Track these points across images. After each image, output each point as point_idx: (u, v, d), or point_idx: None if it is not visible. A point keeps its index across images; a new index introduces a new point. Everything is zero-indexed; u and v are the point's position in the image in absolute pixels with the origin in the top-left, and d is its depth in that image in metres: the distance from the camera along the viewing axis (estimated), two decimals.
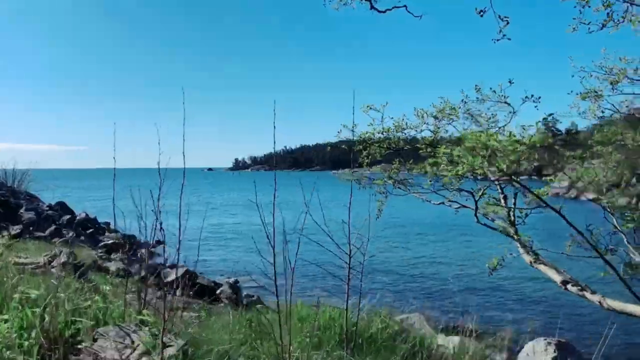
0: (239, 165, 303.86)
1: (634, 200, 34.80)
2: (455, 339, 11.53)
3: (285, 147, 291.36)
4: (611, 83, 7.01)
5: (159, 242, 5.70)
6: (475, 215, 5.47)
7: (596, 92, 7.02)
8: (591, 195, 5.43)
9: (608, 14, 5.37)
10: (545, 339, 11.91)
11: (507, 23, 5.54)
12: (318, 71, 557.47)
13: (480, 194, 5.43)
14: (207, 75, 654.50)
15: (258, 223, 4.36)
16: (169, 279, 10.98)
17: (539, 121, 5.07)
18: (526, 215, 5.66)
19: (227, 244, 28.14)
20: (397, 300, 15.65)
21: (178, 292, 12.07)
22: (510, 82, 6.38)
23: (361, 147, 7.06)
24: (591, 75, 7.37)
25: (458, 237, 28.55)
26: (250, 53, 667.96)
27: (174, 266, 14.48)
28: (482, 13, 5.50)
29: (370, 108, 6.65)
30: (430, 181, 5.91)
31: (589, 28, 5.65)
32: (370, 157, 7.09)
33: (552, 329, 13.14)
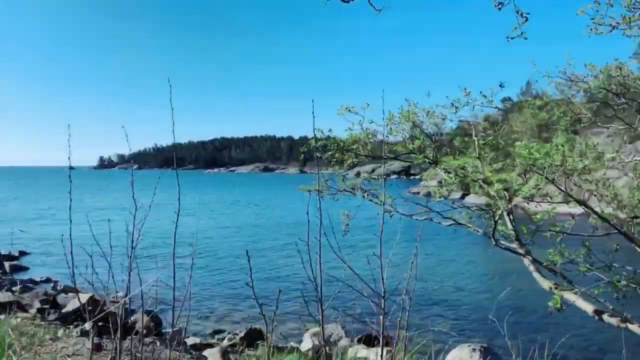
0: (104, 164, 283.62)
1: None
2: (377, 350, 10.98)
3: (156, 144, 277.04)
4: (584, 91, 6.86)
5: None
6: (494, 237, 4.75)
7: (569, 99, 6.84)
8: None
9: (623, 15, 4.97)
10: (469, 345, 11.80)
11: (526, 20, 4.90)
12: (194, 67, 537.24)
13: (500, 212, 4.71)
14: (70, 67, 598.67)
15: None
16: (70, 308, 8.96)
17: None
18: (533, 234, 5.06)
19: (105, 255, 25.19)
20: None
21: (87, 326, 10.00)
22: (500, 85, 5.84)
23: (332, 152, 6.03)
24: (551, 81, 7.18)
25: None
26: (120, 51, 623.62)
27: (71, 290, 12.07)
28: (500, 6, 4.79)
29: (349, 110, 5.67)
30: (437, 198, 5.09)
31: (597, 29, 5.24)
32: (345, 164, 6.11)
33: (475, 335, 13.20)
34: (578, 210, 4.81)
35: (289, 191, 76.48)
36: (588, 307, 4.56)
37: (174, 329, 13.22)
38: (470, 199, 50.45)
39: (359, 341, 13.43)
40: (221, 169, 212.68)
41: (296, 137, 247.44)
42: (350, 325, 13.48)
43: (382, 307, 3.56)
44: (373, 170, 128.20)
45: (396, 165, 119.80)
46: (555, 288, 4.80)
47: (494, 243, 4.77)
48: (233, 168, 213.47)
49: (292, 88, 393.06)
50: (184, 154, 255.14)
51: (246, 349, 10.35)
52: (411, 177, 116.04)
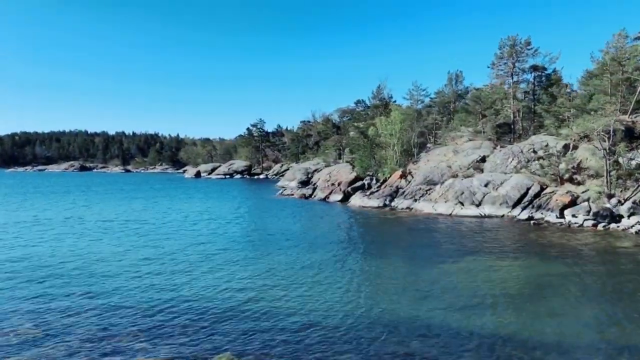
0: None
1: None
2: None
3: None
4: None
5: None
6: None
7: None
8: None
9: None
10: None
11: None
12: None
13: None
14: None
15: None
16: None
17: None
18: None
19: None
20: None
21: None
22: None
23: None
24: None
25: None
26: None
27: None
28: None
29: None
30: None
31: None
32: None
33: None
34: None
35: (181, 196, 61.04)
36: None
37: None
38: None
39: None
40: (27, 167, 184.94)
41: (112, 132, 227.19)
42: None
43: None
44: (213, 170, 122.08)
45: (238, 164, 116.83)
46: None
47: None
48: (42, 167, 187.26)
49: (105, 79, 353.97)
50: None
51: None
52: (254, 177, 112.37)
